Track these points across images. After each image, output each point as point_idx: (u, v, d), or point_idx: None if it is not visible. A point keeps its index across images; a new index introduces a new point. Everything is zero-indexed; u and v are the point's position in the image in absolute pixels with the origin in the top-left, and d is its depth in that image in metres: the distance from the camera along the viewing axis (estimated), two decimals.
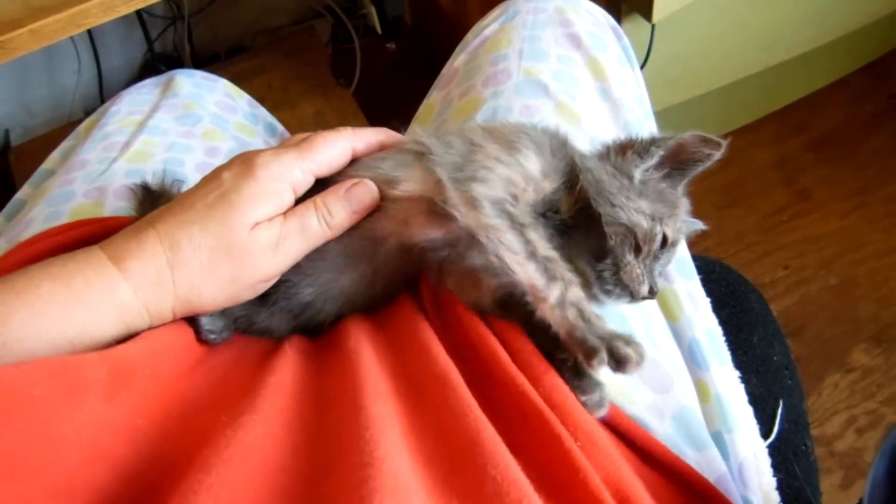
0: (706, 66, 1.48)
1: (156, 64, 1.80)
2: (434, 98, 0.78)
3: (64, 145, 0.81)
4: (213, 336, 0.53)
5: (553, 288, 0.49)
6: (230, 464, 0.38)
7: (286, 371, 0.49)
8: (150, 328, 0.49)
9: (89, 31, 1.66)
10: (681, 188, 0.58)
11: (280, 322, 0.58)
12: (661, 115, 0.78)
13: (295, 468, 0.41)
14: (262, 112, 0.92)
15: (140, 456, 0.40)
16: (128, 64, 1.83)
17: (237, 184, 0.51)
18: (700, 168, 0.57)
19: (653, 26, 1.27)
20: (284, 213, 0.52)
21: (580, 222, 0.55)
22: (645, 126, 0.73)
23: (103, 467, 0.38)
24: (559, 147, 0.56)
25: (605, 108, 0.71)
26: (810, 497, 0.63)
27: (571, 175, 0.55)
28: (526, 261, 0.50)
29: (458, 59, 0.79)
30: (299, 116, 1.71)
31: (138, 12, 1.66)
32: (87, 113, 1.77)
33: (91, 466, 0.38)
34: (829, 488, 1.27)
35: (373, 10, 1.88)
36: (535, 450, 0.45)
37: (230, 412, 0.43)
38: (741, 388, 0.59)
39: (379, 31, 1.92)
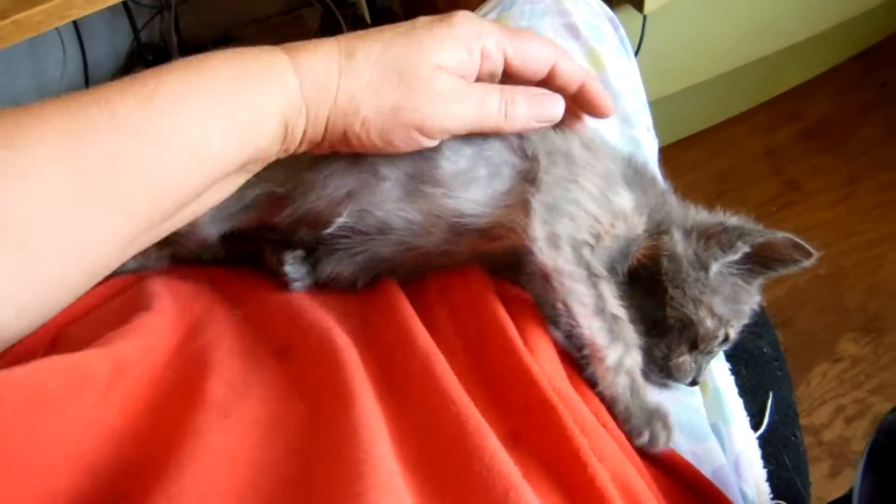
0: (697, 56, 1.47)
1: (142, 54, 1.78)
2: None
3: None
4: (297, 284, 0.54)
5: (613, 350, 0.48)
6: (207, 463, 0.38)
7: (267, 379, 0.48)
8: (303, 136, 0.48)
9: (74, 22, 1.64)
10: (756, 285, 0.55)
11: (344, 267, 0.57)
12: (652, 106, 0.78)
13: (283, 464, 0.40)
14: None
15: (117, 458, 0.39)
16: (114, 54, 1.81)
17: (431, 25, 0.50)
18: (783, 271, 0.54)
19: (644, 17, 1.26)
20: (464, 75, 0.50)
21: (645, 282, 0.54)
22: (642, 118, 0.72)
23: (84, 472, 0.37)
24: (650, 185, 0.55)
25: None
26: (800, 487, 0.63)
27: (657, 224, 0.54)
28: (593, 315, 0.49)
29: None
30: None
31: (124, 2, 1.64)
32: None
33: (72, 470, 0.37)
34: (818, 477, 1.27)
35: None
36: (539, 438, 0.44)
37: (211, 408, 0.42)
38: (732, 380, 0.59)
39: (368, 20, 1.90)
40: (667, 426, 0.48)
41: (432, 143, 0.51)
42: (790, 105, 1.76)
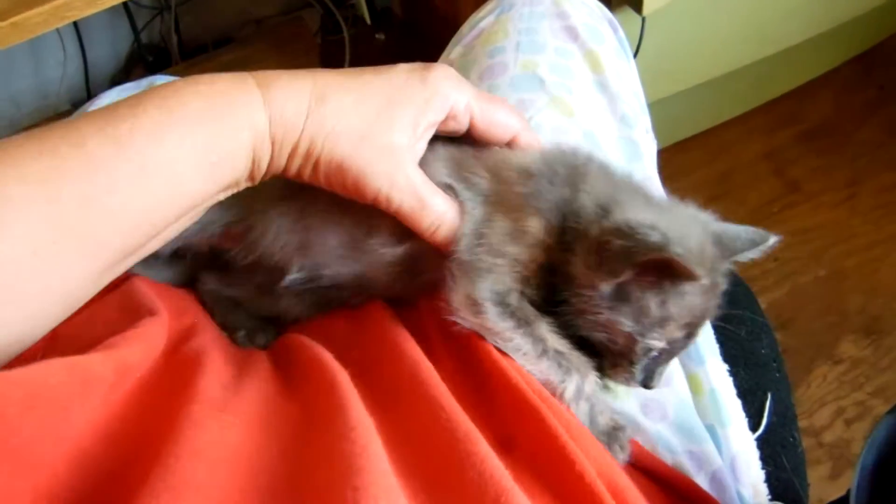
0: (697, 58, 1.47)
1: (143, 55, 1.79)
2: None
3: None
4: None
5: (570, 382, 0.49)
6: (205, 455, 0.38)
7: (260, 380, 0.49)
8: (267, 168, 0.49)
9: (75, 22, 1.64)
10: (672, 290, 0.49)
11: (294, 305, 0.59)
12: (651, 108, 0.78)
13: (279, 460, 0.40)
14: None
15: (114, 455, 0.39)
16: (114, 55, 1.81)
17: (408, 80, 0.50)
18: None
19: (643, 19, 1.26)
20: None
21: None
22: (641, 120, 0.72)
23: (81, 470, 0.37)
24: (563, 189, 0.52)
25: (603, 101, 0.70)
26: (798, 489, 0.63)
27: (563, 236, 0.51)
28: (537, 359, 0.49)
29: (453, 52, 0.78)
30: None
31: (124, 3, 1.64)
32: (74, 104, 1.76)
33: (70, 468, 0.37)
34: (818, 479, 1.27)
35: (362, 0, 1.86)
36: (528, 441, 0.45)
37: (207, 404, 0.42)
38: (730, 381, 0.59)
39: (368, 21, 1.90)
40: (623, 447, 0.49)
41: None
42: (790, 107, 1.76)
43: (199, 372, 0.45)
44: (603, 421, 0.49)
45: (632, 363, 0.51)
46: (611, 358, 0.51)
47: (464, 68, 0.74)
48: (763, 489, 0.56)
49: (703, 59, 1.49)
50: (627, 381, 0.52)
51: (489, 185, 0.52)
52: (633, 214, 0.48)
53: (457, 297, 0.50)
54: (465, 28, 0.80)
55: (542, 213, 0.51)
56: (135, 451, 0.39)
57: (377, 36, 1.95)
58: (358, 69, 0.51)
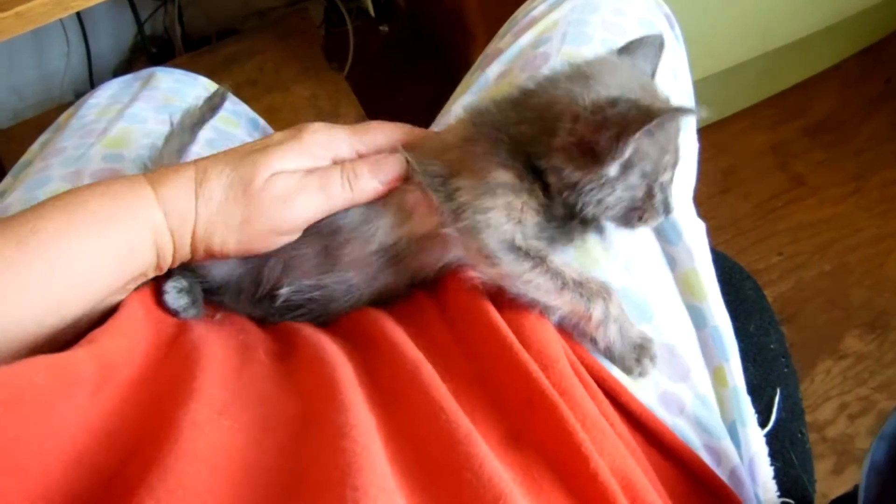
0: (702, 52, 1.46)
1: (146, 46, 1.78)
2: (475, 77, 0.76)
3: (43, 137, 0.80)
4: (182, 315, 0.54)
5: (595, 307, 0.51)
6: (203, 457, 0.38)
7: (259, 376, 0.49)
8: (173, 258, 0.51)
9: (78, 13, 1.64)
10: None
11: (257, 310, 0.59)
12: None
13: (277, 461, 0.40)
14: (244, 108, 0.90)
15: (113, 454, 0.39)
16: (117, 46, 1.80)
17: (283, 141, 0.53)
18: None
19: None
20: (308, 169, 0.53)
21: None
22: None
23: (79, 472, 0.37)
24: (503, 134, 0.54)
25: None
26: (806, 485, 0.63)
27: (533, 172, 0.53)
28: (559, 293, 0.51)
29: (503, 40, 0.77)
30: (292, 100, 1.69)
31: None
32: (77, 95, 1.75)
33: (67, 470, 0.37)
34: (822, 474, 1.27)
35: None
36: (540, 436, 0.45)
37: (205, 405, 0.42)
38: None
39: (372, 13, 1.89)
40: (653, 358, 0.53)
41: (294, 237, 0.54)
42: (795, 101, 1.75)
43: (197, 367, 0.46)
44: (632, 336, 0.53)
45: (655, 207, 0.54)
46: (637, 215, 0.54)
47: (509, 57, 0.73)
48: (772, 486, 0.56)
49: (708, 52, 1.48)
50: (656, 220, 0.55)
51: (442, 165, 0.54)
52: (600, 96, 0.50)
53: (470, 254, 0.52)
54: (519, 13, 0.79)
55: (503, 163, 0.52)
56: (133, 449, 0.39)
57: (381, 28, 1.94)
58: (236, 147, 0.54)
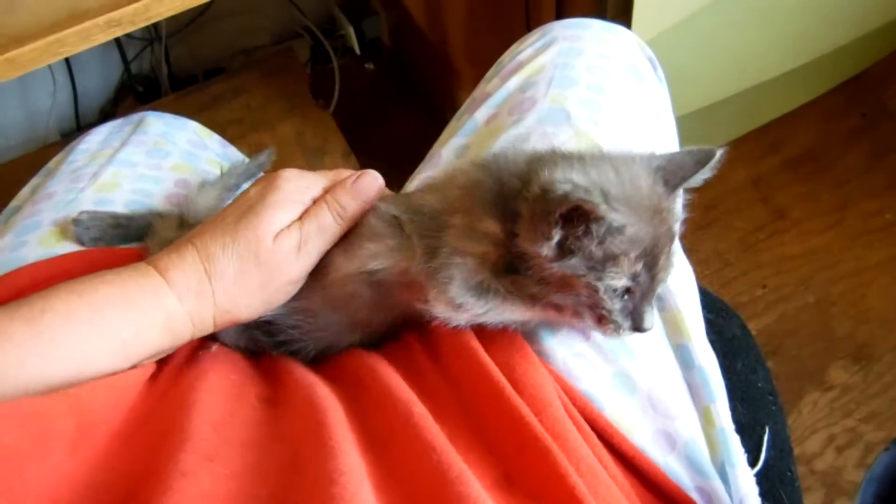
0: (685, 88, 1.49)
1: (132, 85, 1.79)
2: (463, 121, 0.76)
3: (32, 182, 0.81)
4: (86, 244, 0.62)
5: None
6: None
7: (252, 421, 0.49)
8: (191, 336, 0.53)
9: None
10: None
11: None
12: None
13: None
14: (233, 151, 0.91)
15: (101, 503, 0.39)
16: (104, 85, 1.81)
17: (263, 196, 0.55)
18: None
19: None
20: (300, 217, 0.55)
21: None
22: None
23: None
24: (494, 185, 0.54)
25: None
26: None
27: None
28: (532, 305, 0.51)
29: (490, 83, 0.78)
30: (279, 137, 1.70)
31: None
32: (63, 135, 1.76)
33: None
34: None
35: (351, 30, 1.88)
36: (534, 481, 0.45)
37: (195, 450, 0.42)
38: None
39: (357, 51, 1.92)
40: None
41: (303, 281, 0.56)
42: (775, 134, 1.78)
43: (189, 413, 0.46)
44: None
45: (609, 311, 0.51)
46: (590, 316, 0.52)
47: (497, 101, 0.74)
48: None
49: (691, 89, 1.51)
50: (618, 331, 0.52)
51: (435, 202, 0.55)
52: (548, 176, 0.49)
53: (438, 306, 0.52)
54: (505, 58, 0.80)
55: (494, 214, 0.52)
56: (125, 500, 0.39)
57: (366, 66, 1.97)
58: (219, 214, 0.56)
